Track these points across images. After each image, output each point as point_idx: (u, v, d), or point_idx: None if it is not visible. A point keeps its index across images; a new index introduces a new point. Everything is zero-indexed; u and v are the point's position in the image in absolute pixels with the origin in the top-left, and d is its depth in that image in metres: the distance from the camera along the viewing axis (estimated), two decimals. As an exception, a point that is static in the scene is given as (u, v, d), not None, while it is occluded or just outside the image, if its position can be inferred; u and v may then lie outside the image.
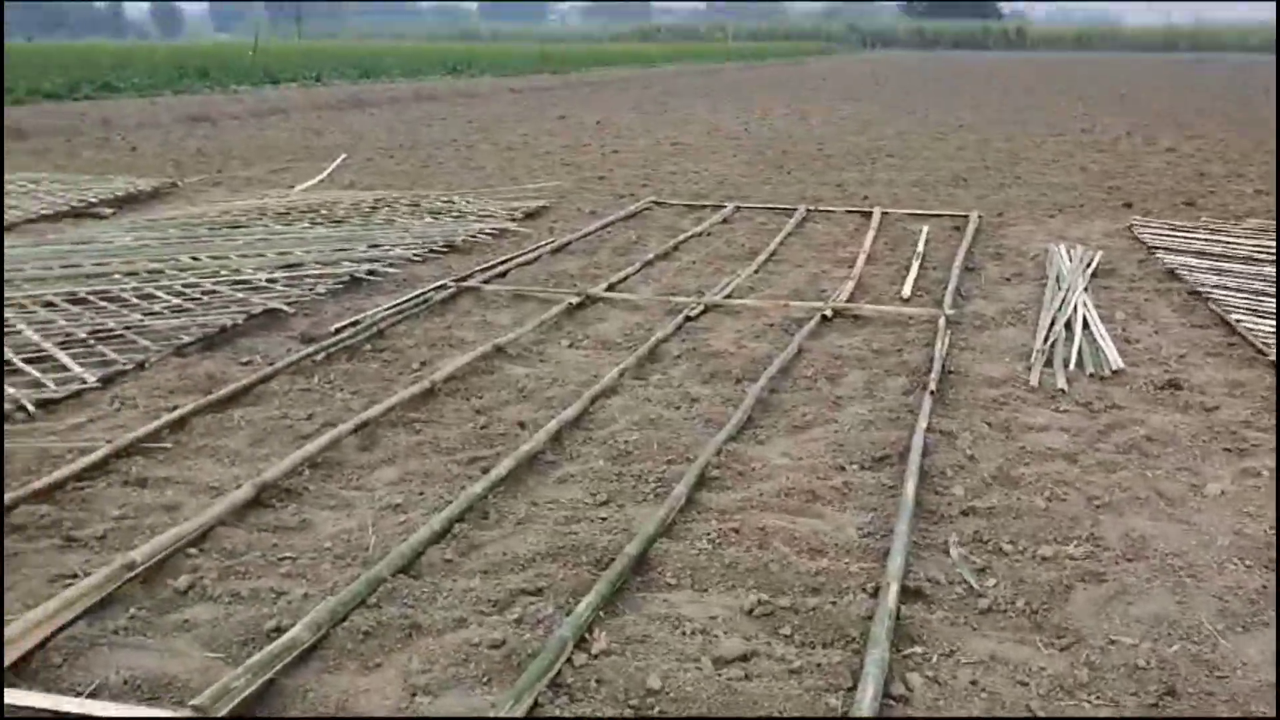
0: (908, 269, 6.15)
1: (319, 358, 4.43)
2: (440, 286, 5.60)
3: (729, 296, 5.48)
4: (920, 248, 6.69)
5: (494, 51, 42.97)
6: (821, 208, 8.22)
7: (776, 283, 5.89)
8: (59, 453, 3.44)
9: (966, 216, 7.81)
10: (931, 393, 3.97)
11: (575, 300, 5.30)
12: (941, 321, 4.99)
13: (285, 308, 5.15)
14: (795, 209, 8.02)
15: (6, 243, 6.73)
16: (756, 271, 6.10)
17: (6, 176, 9.32)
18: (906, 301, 5.52)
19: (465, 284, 5.67)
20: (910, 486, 3.13)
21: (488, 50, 44.14)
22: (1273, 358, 4.49)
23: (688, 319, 5.03)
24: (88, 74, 23.11)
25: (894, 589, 2.55)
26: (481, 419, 3.80)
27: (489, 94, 24.83)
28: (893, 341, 4.81)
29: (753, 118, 17.59)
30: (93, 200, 8.17)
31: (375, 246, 6.50)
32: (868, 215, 7.87)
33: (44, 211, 7.74)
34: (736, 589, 2.63)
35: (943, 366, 4.34)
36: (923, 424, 3.64)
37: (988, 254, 6.75)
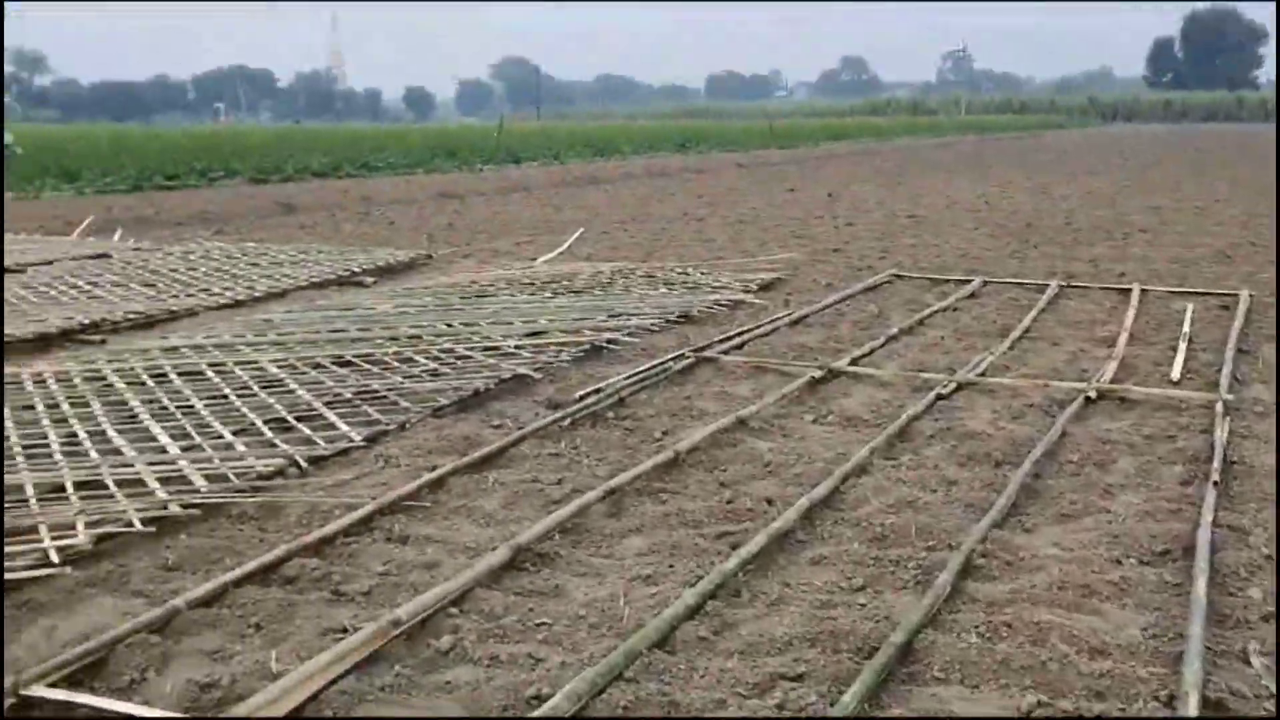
0: (1174, 349, 5.75)
1: (565, 423, 4.49)
2: (678, 356, 5.61)
3: (983, 374, 5.25)
4: (1186, 327, 6.26)
5: (721, 128, 43.68)
6: (1075, 284, 7.84)
7: (1033, 361, 5.61)
8: (328, 508, 3.60)
9: (1235, 295, 7.26)
10: (1215, 484, 3.64)
11: (817, 374, 5.20)
12: (1219, 407, 4.61)
13: (532, 374, 5.28)
14: (1047, 285, 7.67)
15: (282, 308, 7.21)
16: (1010, 349, 5.84)
17: (282, 247, 10.05)
18: (1176, 384, 5.14)
19: (703, 354, 5.67)
20: (1201, 585, 2.85)
21: (716, 127, 44.92)
22: None
23: (939, 397, 4.84)
24: (350, 154, 24.87)
25: (1194, 699, 2.31)
26: (727, 492, 3.74)
27: (717, 169, 25.19)
28: (1165, 427, 4.48)
29: (991, 190, 17.11)
30: (356, 270, 8.69)
31: (614, 316, 6.61)
32: (1125, 292, 7.44)
33: (313, 279, 8.29)
34: (1011, 688, 2.44)
35: (1225, 455, 3.99)
36: (1208, 517, 3.34)
37: (1263, 335, 6.23)
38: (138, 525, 3.39)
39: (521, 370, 5.31)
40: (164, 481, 3.78)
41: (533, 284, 7.92)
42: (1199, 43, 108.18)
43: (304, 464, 4.01)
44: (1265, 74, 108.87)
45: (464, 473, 3.90)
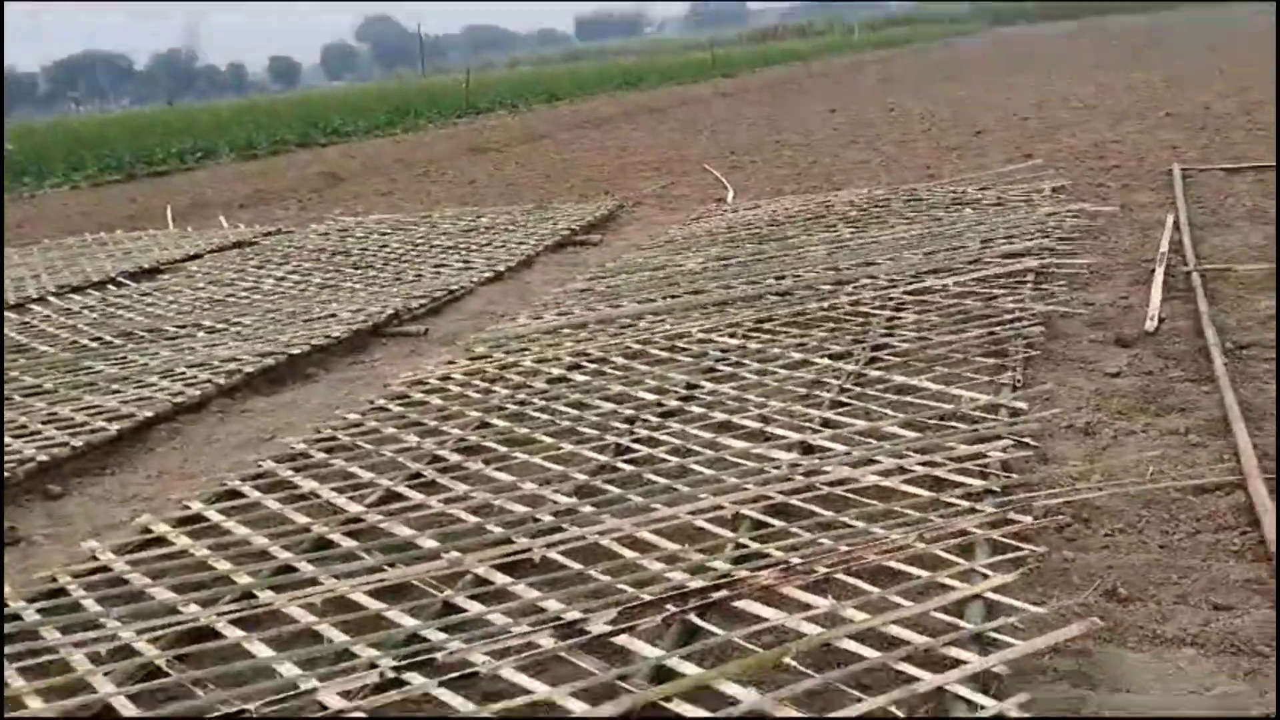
0: None
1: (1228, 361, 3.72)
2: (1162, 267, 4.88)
3: None
4: None
5: (663, 63, 42.63)
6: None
7: None
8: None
9: None
10: None
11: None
12: None
13: (1073, 310, 4.47)
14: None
15: (541, 276, 6.18)
16: None
17: (425, 216, 8.93)
18: None
19: (1196, 269, 4.92)
20: None
21: (656, 63, 43.90)
22: None
23: None
24: (300, 127, 22.93)
25: None
26: None
27: (698, 99, 24.20)
28: None
29: (1065, 86, 16.32)
30: (572, 229, 7.71)
31: (986, 243, 5.78)
32: None
33: (544, 243, 7.29)
34: None
35: None
36: None
37: None
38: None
39: (1038, 309, 4.48)
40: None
41: (804, 220, 7.05)
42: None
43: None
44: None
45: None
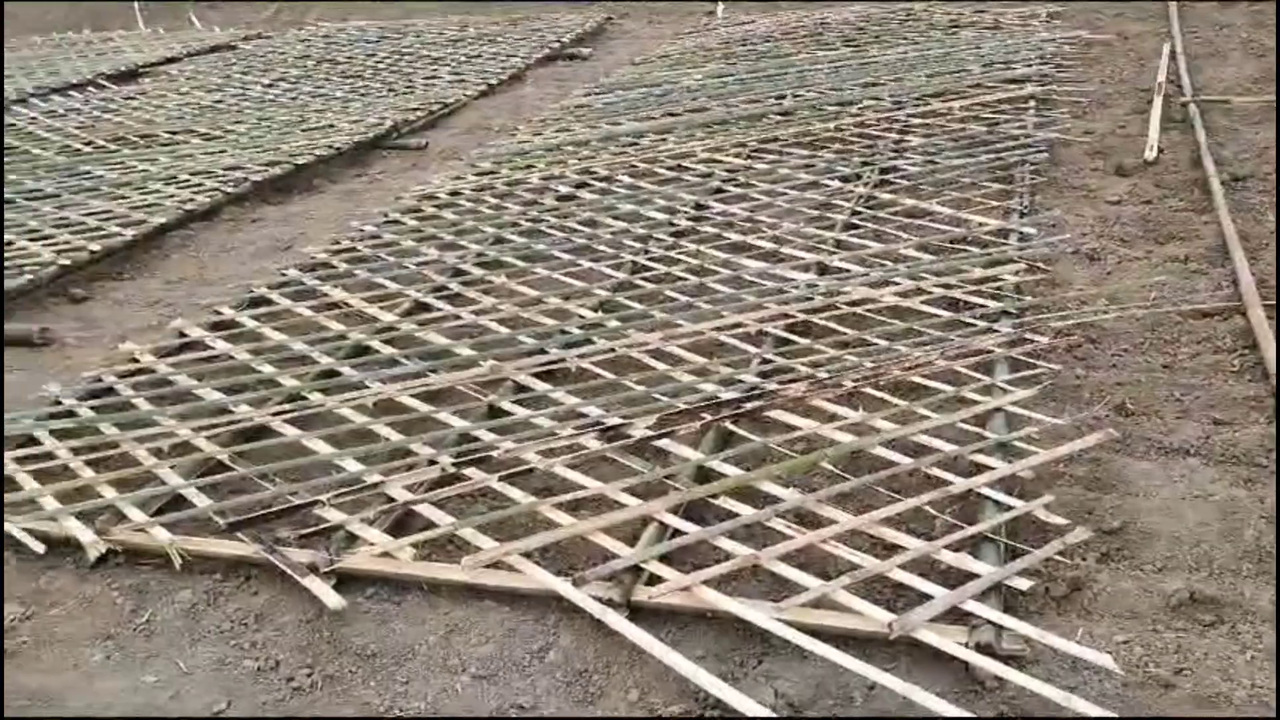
0: None
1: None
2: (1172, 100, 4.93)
3: None
4: None
5: None
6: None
7: None
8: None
9: None
10: None
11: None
12: None
13: (1068, 137, 4.53)
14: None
15: (537, 91, 6.14)
16: None
17: (403, 23, 8.67)
18: None
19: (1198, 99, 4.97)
20: None
21: None
22: None
23: None
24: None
25: None
26: None
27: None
28: None
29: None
30: (561, 41, 7.56)
31: (988, 66, 5.76)
32: None
33: (535, 56, 7.16)
34: None
35: None
36: None
37: None
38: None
39: (1042, 136, 4.53)
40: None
41: (801, 37, 6.95)
42: None
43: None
44: None
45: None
